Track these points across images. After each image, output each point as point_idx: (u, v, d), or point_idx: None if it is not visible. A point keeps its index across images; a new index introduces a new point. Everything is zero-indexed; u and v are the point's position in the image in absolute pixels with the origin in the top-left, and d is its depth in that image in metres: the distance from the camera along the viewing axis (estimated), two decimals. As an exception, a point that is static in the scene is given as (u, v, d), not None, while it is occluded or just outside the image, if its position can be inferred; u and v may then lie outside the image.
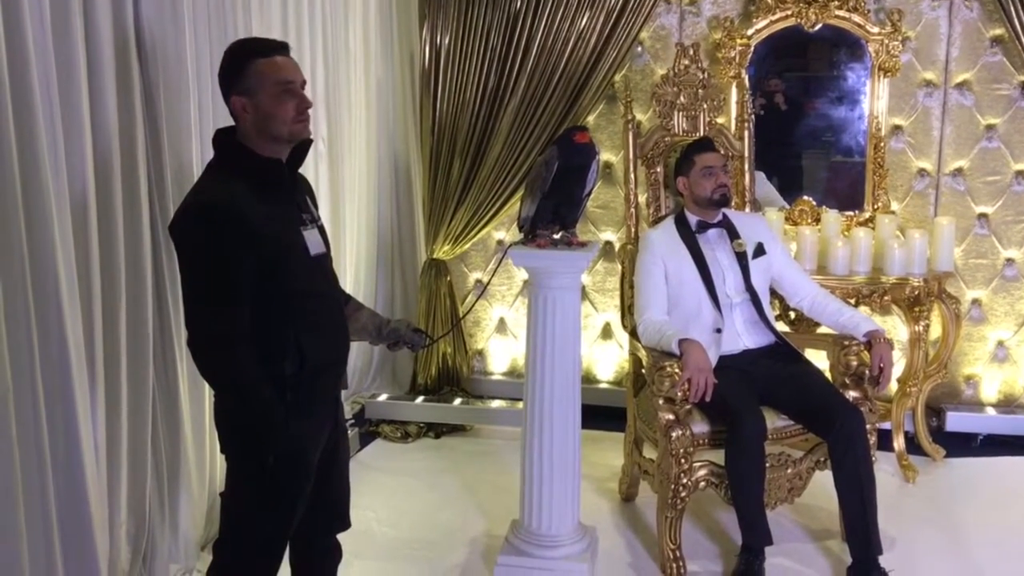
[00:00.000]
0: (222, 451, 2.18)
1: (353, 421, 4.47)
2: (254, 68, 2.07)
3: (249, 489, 2.12)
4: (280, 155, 2.15)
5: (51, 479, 2.36)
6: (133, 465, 2.78)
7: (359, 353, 4.75)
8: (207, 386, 3.04)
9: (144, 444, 2.80)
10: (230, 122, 2.16)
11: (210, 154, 2.19)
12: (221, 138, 2.15)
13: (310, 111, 2.15)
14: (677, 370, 3.02)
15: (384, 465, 4.15)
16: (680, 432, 3.04)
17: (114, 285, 2.64)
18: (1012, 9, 4.05)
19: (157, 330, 2.84)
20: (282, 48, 2.13)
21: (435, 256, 4.67)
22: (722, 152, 3.58)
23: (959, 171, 4.38)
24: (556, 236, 2.98)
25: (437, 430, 4.51)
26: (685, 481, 3.06)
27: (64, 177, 2.40)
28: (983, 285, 4.44)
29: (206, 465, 3.16)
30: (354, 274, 4.62)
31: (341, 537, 2.46)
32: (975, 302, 4.45)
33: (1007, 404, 4.47)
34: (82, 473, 2.45)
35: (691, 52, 3.78)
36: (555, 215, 2.97)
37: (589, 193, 3.05)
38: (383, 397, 4.65)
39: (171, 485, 2.96)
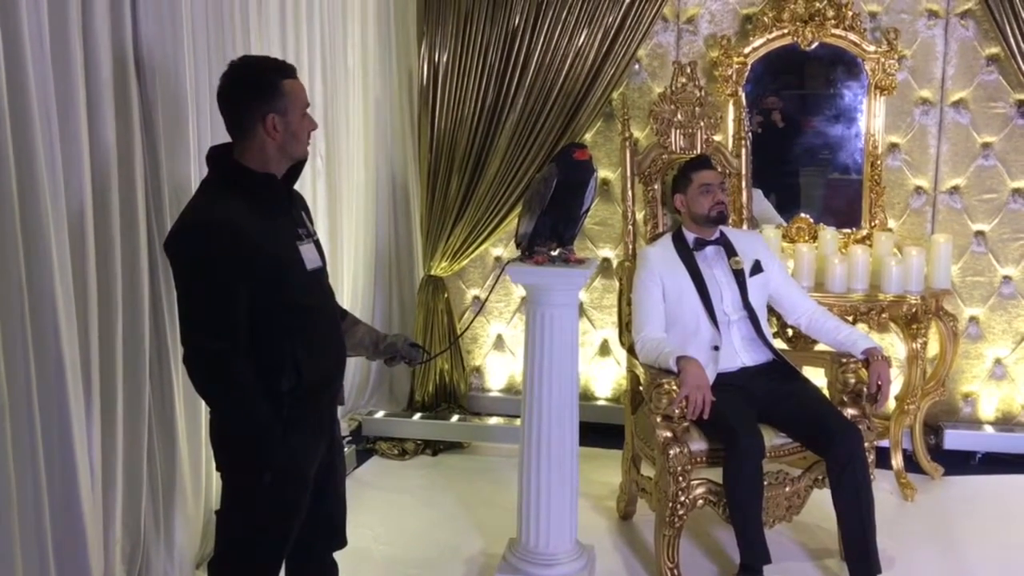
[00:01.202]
0: (218, 468, 2.17)
1: (350, 438, 4.46)
2: (283, 88, 2.10)
3: (245, 506, 2.11)
4: (278, 171, 2.15)
5: (46, 497, 2.35)
6: (128, 482, 2.76)
7: (356, 369, 4.74)
8: (203, 402, 3.04)
9: (140, 461, 2.79)
10: (227, 139, 2.16)
11: (205, 171, 2.19)
12: (216, 155, 2.15)
13: None
14: (675, 387, 3.01)
15: (381, 482, 4.13)
16: (678, 450, 3.03)
17: (111, 303, 2.63)
18: (1008, 28, 4.07)
19: (154, 347, 2.84)
20: (295, 70, 2.18)
21: (433, 273, 4.67)
22: (719, 170, 3.59)
23: (956, 189, 4.39)
24: (554, 253, 2.99)
25: (434, 447, 4.49)
26: (683, 499, 3.05)
27: (62, 195, 2.40)
28: (980, 303, 4.44)
29: (202, 482, 3.15)
30: (351, 290, 4.62)
31: (338, 555, 2.45)
32: (972, 320, 4.45)
33: (1005, 422, 4.46)
34: (77, 491, 2.43)
35: (688, 70, 3.80)
36: (553, 232, 2.97)
37: (587, 210, 3.05)
38: (380, 414, 4.64)
39: (166, 502, 2.94)
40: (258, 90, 2.09)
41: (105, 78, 2.56)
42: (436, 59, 4.52)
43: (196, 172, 2.96)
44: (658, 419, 3.07)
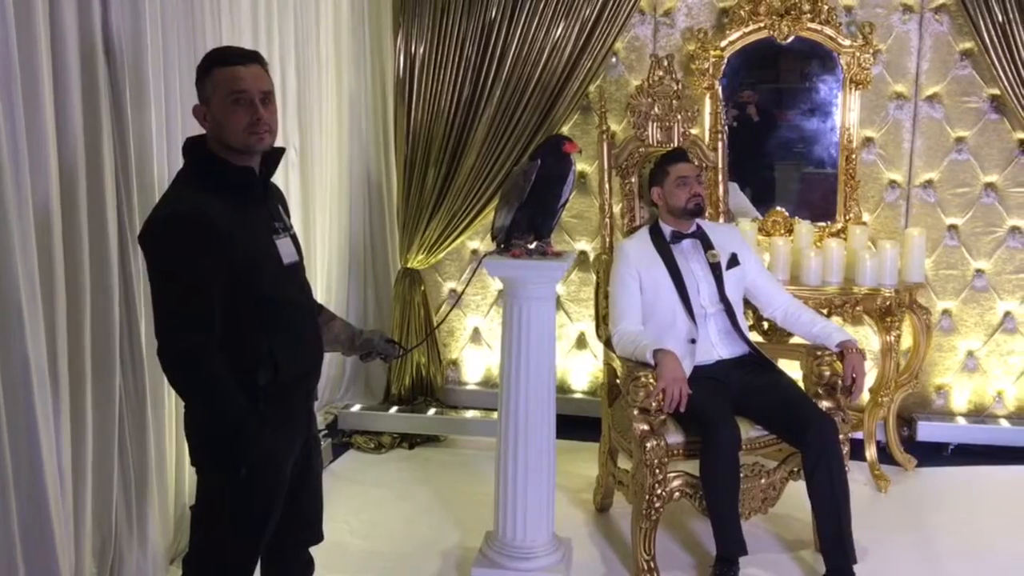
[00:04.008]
0: (192, 463, 2.14)
1: (326, 432, 4.43)
2: (212, 77, 2.06)
3: (221, 501, 2.09)
4: (251, 163, 2.12)
5: (13, 496, 2.31)
6: (99, 479, 2.72)
7: (332, 363, 4.71)
8: (175, 396, 3.01)
9: (110, 458, 2.75)
10: (197, 131, 2.13)
11: (178, 163, 2.16)
12: (191, 146, 2.13)
13: (275, 121, 2.12)
14: (652, 380, 3.01)
15: (357, 476, 4.11)
16: (655, 442, 3.03)
17: (79, 299, 2.58)
18: (981, 23, 4.10)
19: (125, 341, 2.79)
20: (247, 58, 2.10)
21: (409, 265, 4.65)
22: (696, 163, 3.59)
23: (929, 183, 4.42)
24: (531, 246, 2.98)
25: (411, 441, 4.48)
26: (660, 491, 3.06)
27: (28, 187, 2.34)
28: (953, 296, 4.48)
29: (174, 477, 3.12)
30: (325, 284, 4.59)
31: (314, 549, 2.43)
32: (945, 312, 4.49)
33: (977, 413, 4.51)
34: (44, 490, 2.40)
35: (665, 63, 3.79)
36: (530, 225, 2.96)
37: (565, 203, 3.05)
38: (356, 407, 4.61)
39: (139, 498, 2.90)
40: (197, 81, 2.10)
41: (72, 68, 2.52)
42: (412, 51, 4.49)
43: (167, 163, 2.93)
44: (635, 412, 3.07)
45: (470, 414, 4.57)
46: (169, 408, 3.05)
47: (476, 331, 4.87)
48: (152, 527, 2.95)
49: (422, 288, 4.68)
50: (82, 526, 2.65)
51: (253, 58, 2.09)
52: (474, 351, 4.89)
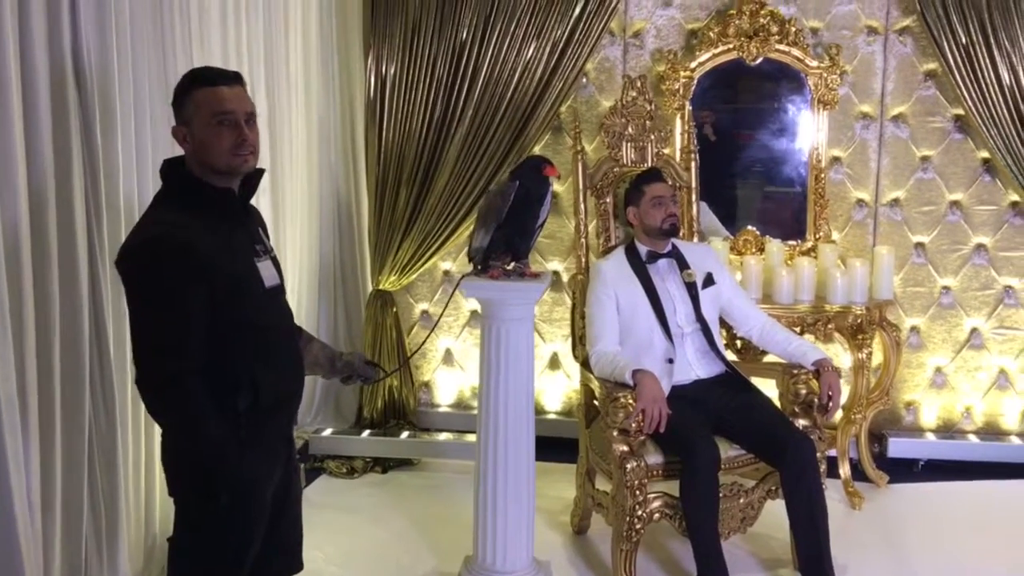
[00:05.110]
0: (170, 493, 2.08)
1: (298, 456, 4.35)
2: (194, 97, 2.03)
3: (201, 531, 2.03)
4: (230, 185, 2.09)
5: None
6: (68, 509, 2.65)
7: (302, 386, 4.63)
8: (144, 424, 2.94)
9: (80, 487, 2.67)
10: (170, 153, 2.10)
11: (149, 186, 2.12)
12: (168, 168, 2.09)
13: (258, 142, 2.10)
14: (631, 401, 3.00)
15: (330, 502, 4.05)
16: (635, 464, 3.02)
17: (48, 325, 2.51)
18: (945, 44, 4.18)
19: (96, 369, 2.72)
20: (230, 78, 2.07)
21: (381, 287, 4.61)
22: (670, 183, 3.61)
23: (896, 201, 4.49)
24: (508, 267, 2.96)
25: (384, 464, 4.42)
26: (640, 513, 3.04)
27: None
28: (921, 313, 4.53)
29: (144, 505, 3.04)
30: (296, 306, 4.53)
31: (290, 578, 2.38)
32: (913, 329, 4.54)
33: (946, 429, 4.56)
34: (13, 520, 2.32)
35: (638, 84, 3.81)
36: (508, 245, 2.95)
37: (542, 224, 3.04)
38: (328, 432, 4.54)
39: (109, 528, 2.82)
40: (173, 103, 2.07)
41: (42, 89, 2.46)
42: (383, 72, 4.47)
43: (136, 186, 2.86)
44: (614, 433, 3.06)
45: (443, 437, 4.52)
46: (138, 436, 2.98)
47: (448, 352, 4.83)
48: (122, 557, 2.87)
49: (394, 310, 4.64)
50: (51, 556, 2.57)
51: (235, 79, 2.07)
52: (446, 373, 4.85)
